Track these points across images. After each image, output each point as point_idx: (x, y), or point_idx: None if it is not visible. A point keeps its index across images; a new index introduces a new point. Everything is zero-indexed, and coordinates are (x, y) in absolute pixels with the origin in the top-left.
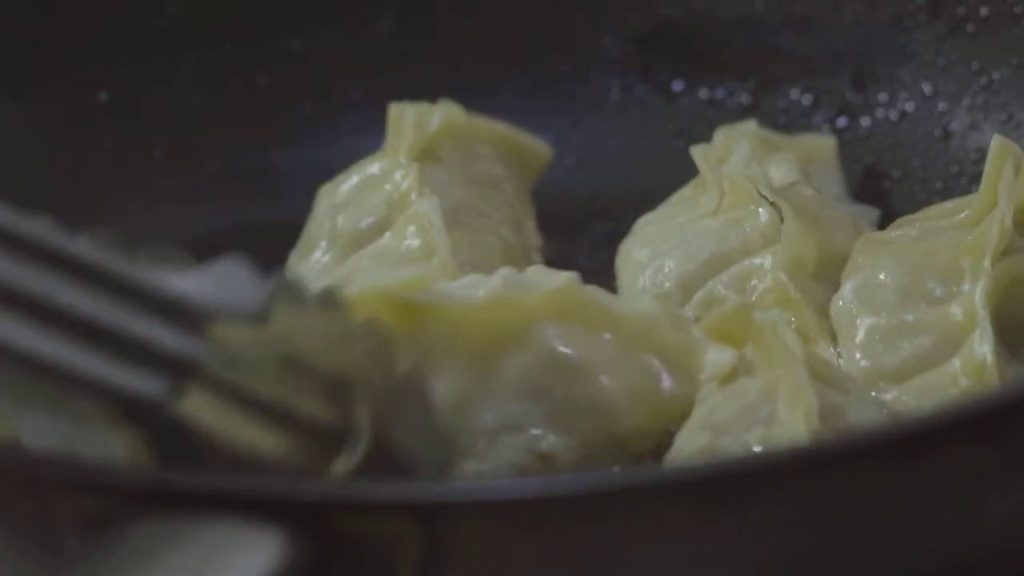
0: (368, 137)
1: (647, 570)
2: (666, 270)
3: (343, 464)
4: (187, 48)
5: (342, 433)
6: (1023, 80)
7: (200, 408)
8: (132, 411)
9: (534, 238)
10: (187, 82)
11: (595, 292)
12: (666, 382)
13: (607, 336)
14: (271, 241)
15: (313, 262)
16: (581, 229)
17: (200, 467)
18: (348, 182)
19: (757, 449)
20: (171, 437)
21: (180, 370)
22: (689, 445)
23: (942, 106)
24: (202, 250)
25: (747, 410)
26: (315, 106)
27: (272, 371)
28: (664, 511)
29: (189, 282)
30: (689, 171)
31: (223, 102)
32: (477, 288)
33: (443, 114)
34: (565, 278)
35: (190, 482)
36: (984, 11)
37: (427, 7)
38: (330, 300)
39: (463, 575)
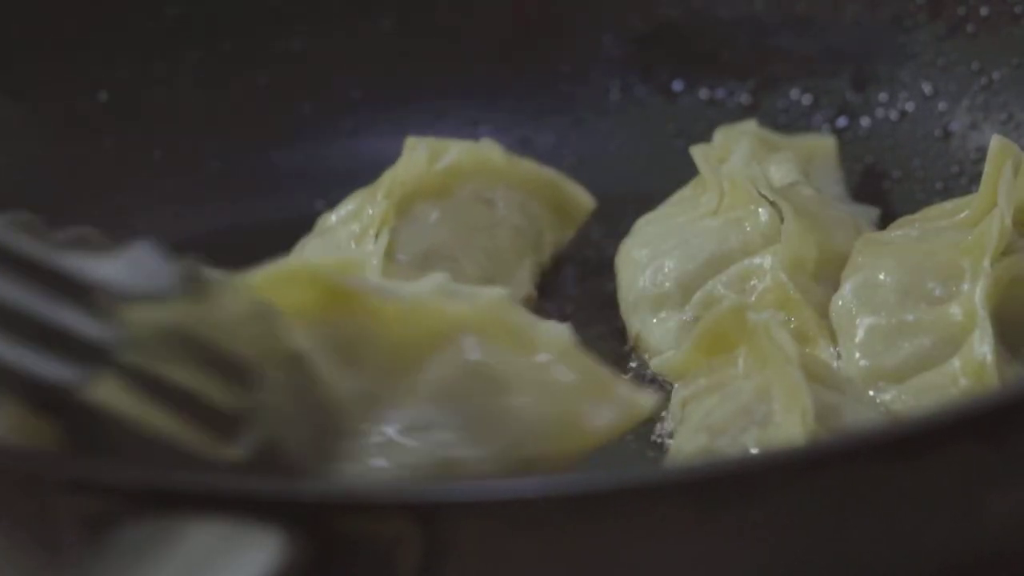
0: (368, 137)
1: (647, 570)
2: (666, 270)
3: (235, 451)
4: (187, 48)
5: (242, 418)
6: (1023, 80)
7: (110, 393)
8: (43, 398)
9: (520, 289)
10: (187, 82)
11: (523, 314)
12: (586, 412)
13: (530, 358)
14: (271, 241)
15: None
16: (581, 229)
17: (110, 453)
18: (337, 211)
19: (754, 451)
20: (82, 424)
21: (91, 355)
22: (686, 447)
23: (942, 106)
24: (202, 250)
25: (743, 411)
26: (315, 106)
27: (177, 354)
28: (664, 511)
29: (98, 266)
30: (689, 171)
31: (223, 102)
32: (406, 288)
33: (467, 152)
34: (495, 295)
35: (190, 482)
36: (984, 11)
37: (427, 7)
38: (230, 283)
39: (463, 575)
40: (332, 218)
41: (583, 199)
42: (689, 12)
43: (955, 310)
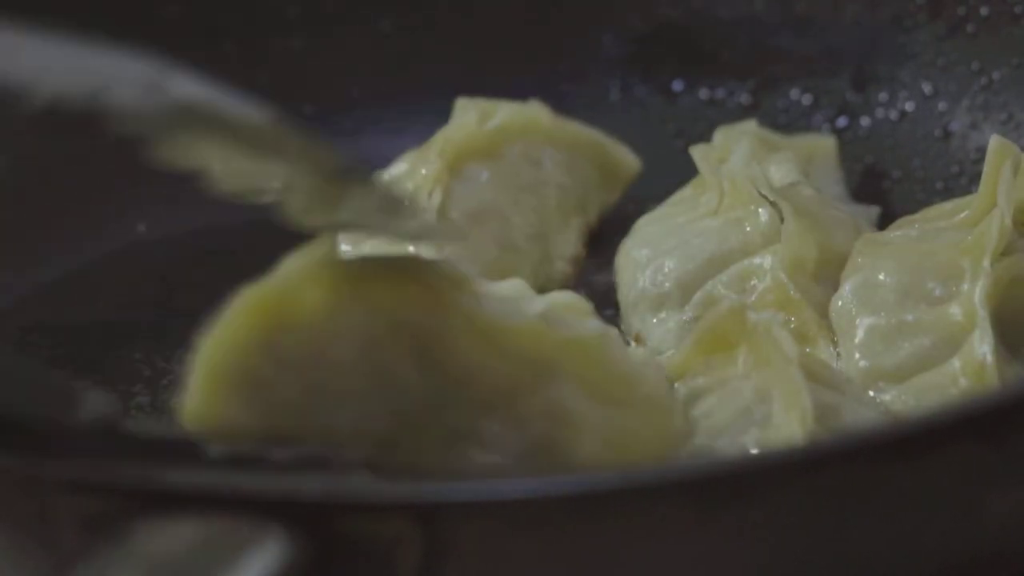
0: (368, 137)
1: (647, 570)
2: (666, 270)
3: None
4: (187, 48)
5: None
6: (1023, 80)
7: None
8: None
9: (568, 248)
10: None
11: (620, 351)
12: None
13: (608, 410)
14: (271, 241)
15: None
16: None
17: None
18: (389, 172)
19: (754, 451)
20: None
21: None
22: (686, 447)
23: (942, 106)
24: (202, 250)
25: (742, 412)
26: (315, 106)
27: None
28: (663, 511)
29: None
30: (689, 171)
31: None
32: (501, 300)
33: (515, 114)
34: (597, 328)
35: (190, 482)
36: (984, 11)
37: (427, 7)
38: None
39: (463, 575)
40: (384, 178)
41: (629, 161)
42: (689, 12)
43: (955, 310)
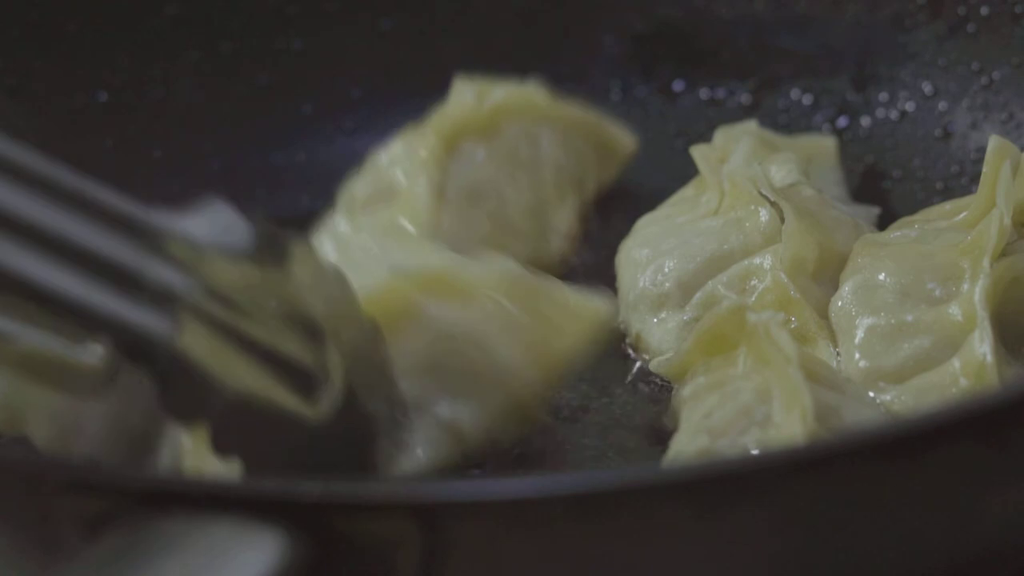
0: (368, 137)
1: (646, 570)
2: (666, 270)
3: (318, 408)
4: (187, 48)
5: (319, 377)
6: (1023, 80)
7: (196, 345)
8: (137, 348)
9: (564, 224)
10: (187, 82)
11: (454, 264)
12: (550, 335)
13: (484, 307)
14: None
15: (332, 222)
16: (581, 229)
17: (198, 406)
18: (387, 149)
19: (754, 452)
20: (171, 375)
21: (179, 306)
22: (686, 448)
23: (942, 106)
24: None
25: (743, 412)
26: (315, 106)
27: (257, 309)
28: (663, 512)
29: (179, 221)
30: (689, 171)
31: (223, 102)
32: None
33: (513, 93)
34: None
35: (190, 482)
36: (984, 11)
37: (427, 7)
38: (304, 247)
39: (463, 575)
40: (382, 157)
41: (625, 139)
42: (689, 12)
43: (955, 310)
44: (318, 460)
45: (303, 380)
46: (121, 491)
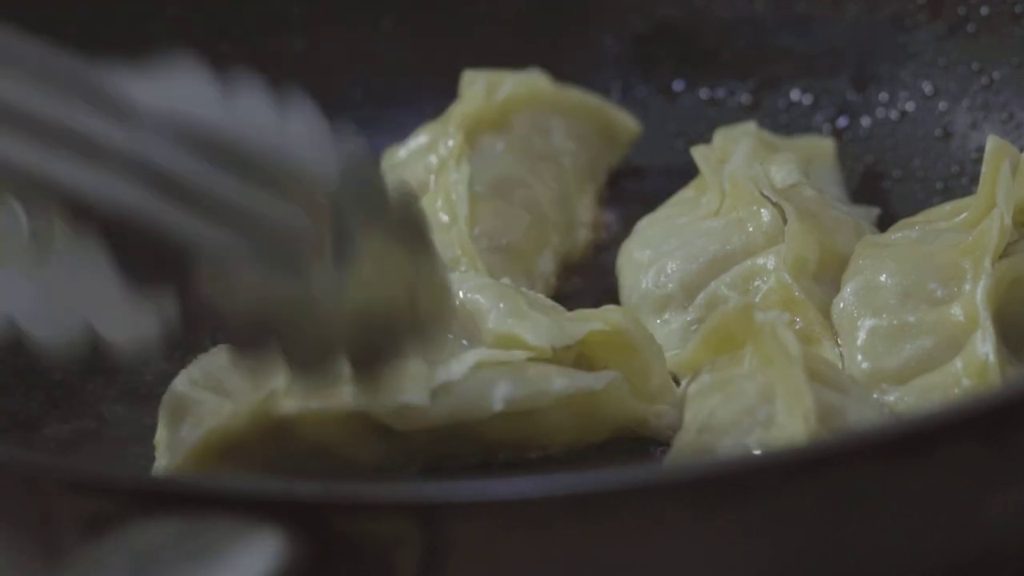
0: (368, 137)
1: (646, 570)
2: (668, 271)
3: (313, 282)
4: (187, 48)
5: (315, 248)
6: (1023, 80)
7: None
8: (87, 212)
9: (588, 214)
10: None
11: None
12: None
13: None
14: None
15: None
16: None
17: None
18: (406, 146)
19: (757, 452)
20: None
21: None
22: (688, 447)
23: (942, 106)
24: None
25: (746, 412)
26: (315, 106)
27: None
28: (664, 511)
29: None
30: (690, 171)
31: None
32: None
33: (520, 83)
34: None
35: (190, 482)
36: (984, 11)
37: (427, 7)
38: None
39: (463, 575)
40: (401, 153)
41: (629, 123)
42: (689, 12)
43: (956, 311)
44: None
45: (293, 250)
46: (121, 491)
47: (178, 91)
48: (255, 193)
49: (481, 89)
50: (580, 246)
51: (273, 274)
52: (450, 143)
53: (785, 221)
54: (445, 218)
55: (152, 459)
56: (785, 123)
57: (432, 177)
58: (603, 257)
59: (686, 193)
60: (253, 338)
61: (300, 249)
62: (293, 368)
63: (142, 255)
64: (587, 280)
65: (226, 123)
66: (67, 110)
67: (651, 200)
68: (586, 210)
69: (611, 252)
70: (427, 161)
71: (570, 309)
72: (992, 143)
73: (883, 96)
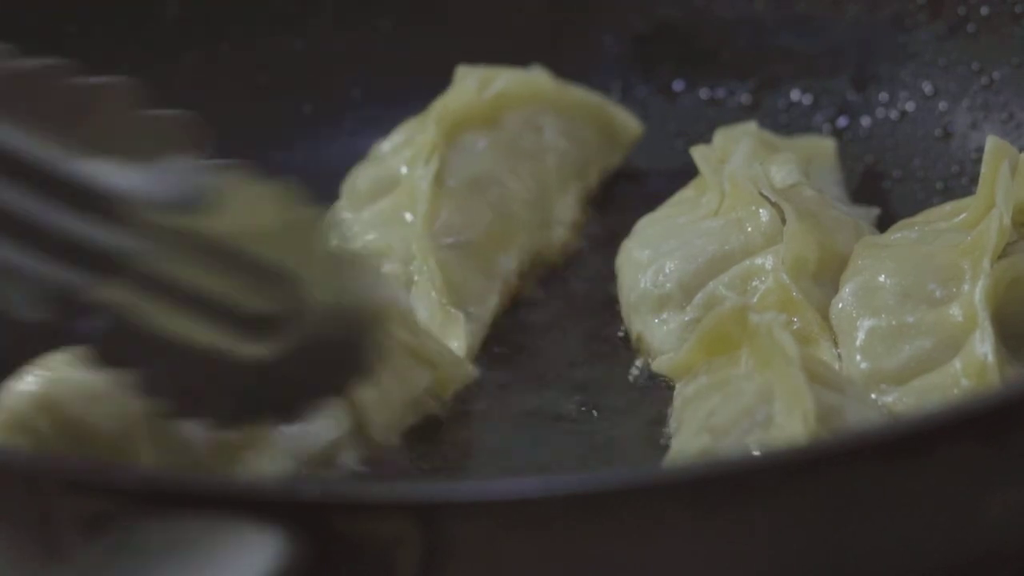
0: (368, 137)
1: (647, 570)
2: (667, 271)
3: (261, 349)
4: (187, 48)
5: (274, 319)
6: (1023, 80)
7: (124, 297)
8: (55, 301)
9: (568, 214)
10: (187, 82)
11: None
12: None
13: None
14: None
15: (335, 213)
16: (584, 229)
17: (140, 364)
18: (390, 140)
19: (756, 452)
20: (110, 337)
21: (104, 263)
22: (688, 448)
23: (942, 106)
24: None
25: (745, 413)
26: (315, 106)
27: (201, 260)
28: (663, 511)
29: (121, 175)
30: (689, 171)
31: (223, 102)
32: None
33: (515, 79)
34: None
35: (190, 482)
36: (984, 11)
37: (427, 7)
38: (265, 188)
39: (463, 575)
40: (385, 146)
41: (631, 123)
42: (689, 12)
43: (955, 311)
44: (267, 401)
45: (250, 324)
46: (121, 491)
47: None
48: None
49: (472, 84)
50: (556, 245)
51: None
52: (422, 139)
53: (784, 221)
54: (408, 214)
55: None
56: (785, 123)
57: (404, 171)
58: (603, 257)
59: (686, 193)
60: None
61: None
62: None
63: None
64: (587, 280)
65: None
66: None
67: (651, 200)
68: (567, 209)
69: (610, 252)
70: (403, 155)
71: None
72: (991, 143)
73: (883, 96)
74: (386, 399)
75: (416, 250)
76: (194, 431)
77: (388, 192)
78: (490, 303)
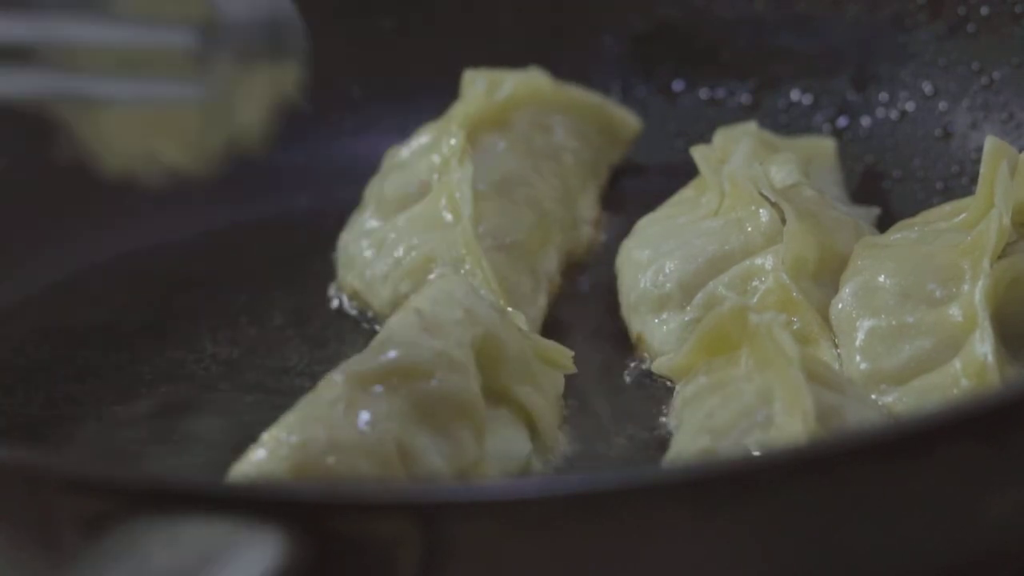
0: (368, 137)
1: (646, 570)
2: (667, 271)
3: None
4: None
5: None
6: (1023, 80)
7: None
8: None
9: (590, 211)
10: None
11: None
12: None
13: None
14: (271, 241)
15: (362, 221)
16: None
17: None
18: (408, 146)
19: (756, 452)
20: None
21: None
22: (687, 448)
23: (942, 106)
24: (202, 250)
25: (744, 413)
26: (315, 106)
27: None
28: (663, 511)
29: None
30: (689, 171)
31: None
32: None
33: (520, 82)
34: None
35: (190, 482)
36: (984, 11)
37: (427, 7)
38: None
39: (463, 575)
40: (404, 153)
41: (630, 120)
42: (689, 12)
43: (955, 311)
44: None
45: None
46: (121, 491)
47: None
48: None
49: (482, 88)
50: (583, 243)
51: None
52: (452, 142)
53: (784, 221)
54: (449, 217)
55: (152, 459)
56: (785, 123)
57: (435, 176)
58: (602, 257)
59: (686, 193)
60: None
61: None
62: None
63: None
64: (586, 280)
65: None
66: None
67: (651, 200)
68: (589, 207)
69: (610, 252)
70: (430, 160)
71: (568, 309)
72: (990, 143)
73: (883, 96)
74: (548, 402)
75: (467, 254)
76: (437, 464)
77: (419, 198)
78: (540, 303)
